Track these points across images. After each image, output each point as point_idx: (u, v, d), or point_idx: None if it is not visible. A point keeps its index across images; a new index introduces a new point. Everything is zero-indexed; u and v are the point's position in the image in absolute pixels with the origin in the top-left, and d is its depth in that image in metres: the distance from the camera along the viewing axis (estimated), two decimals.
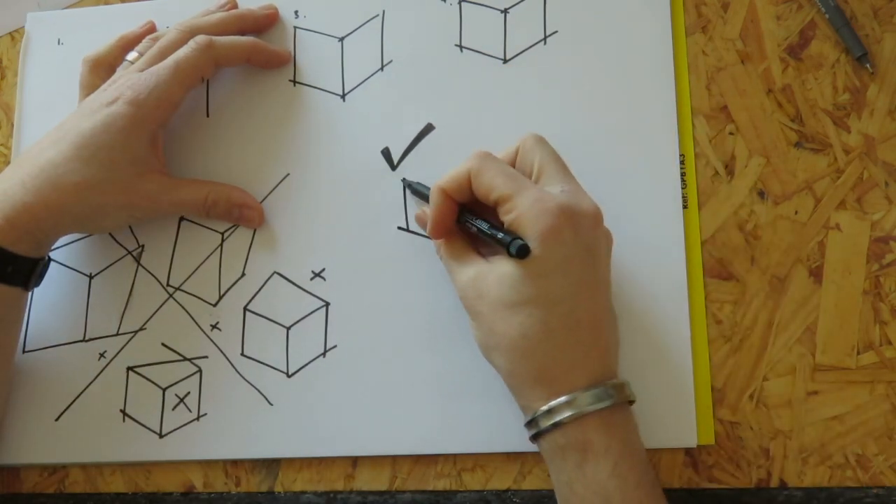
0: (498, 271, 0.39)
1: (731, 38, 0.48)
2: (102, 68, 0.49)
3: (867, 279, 0.44)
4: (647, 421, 0.42)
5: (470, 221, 0.41)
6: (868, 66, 0.46)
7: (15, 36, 0.56)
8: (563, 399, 0.37)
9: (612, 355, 0.40)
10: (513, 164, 0.41)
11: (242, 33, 0.50)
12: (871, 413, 0.43)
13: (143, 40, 0.49)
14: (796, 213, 0.45)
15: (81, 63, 0.49)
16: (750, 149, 0.46)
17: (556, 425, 0.37)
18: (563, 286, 0.38)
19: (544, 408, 0.38)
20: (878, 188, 0.45)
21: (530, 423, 0.39)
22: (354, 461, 0.46)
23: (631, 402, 0.39)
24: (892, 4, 0.47)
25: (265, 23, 0.51)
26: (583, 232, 0.38)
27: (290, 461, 0.46)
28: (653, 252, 0.45)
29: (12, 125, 0.54)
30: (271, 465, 0.46)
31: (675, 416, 0.43)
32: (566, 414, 0.37)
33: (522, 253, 0.37)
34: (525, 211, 0.38)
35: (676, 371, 0.44)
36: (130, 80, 0.45)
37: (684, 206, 0.46)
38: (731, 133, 0.47)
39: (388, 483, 0.45)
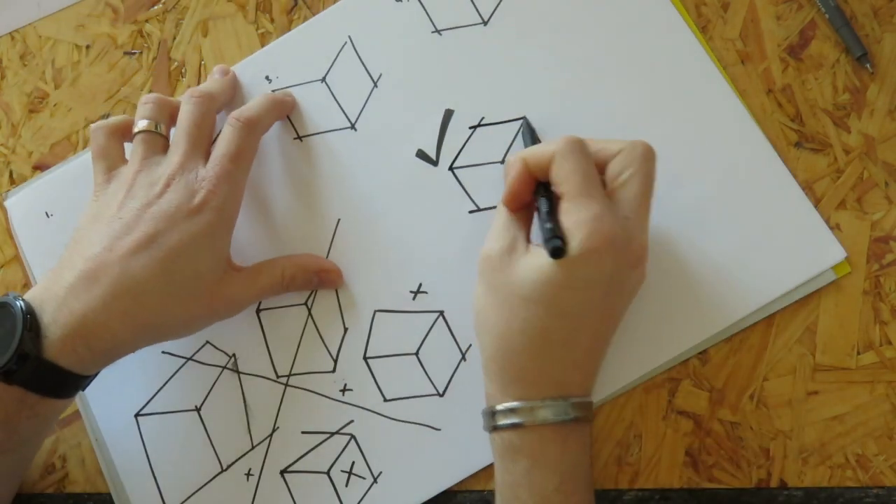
0: (530, 259, 0.38)
1: (731, 38, 0.48)
2: (118, 136, 0.46)
3: (867, 279, 0.44)
4: (787, 259, 0.43)
5: (539, 194, 0.40)
6: (868, 66, 0.46)
7: (15, 36, 0.56)
8: (530, 403, 0.37)
9: (591, 379, 0.40)
10: (605, 162, 0.39)
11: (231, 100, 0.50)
12: (871, 413, 0.43)
13: (146, 101, 0.46)
14: None
15: (93, 131, 0.46)
16: None
17: (515, 426, 0.37)
18: (580, 305, 0.37)
19: (509, 405, 0.38)
20: (878, 188, 0.45)
21: (490, 415, 0.39)
22: None
23: (589, 422, 0.39)
24: (892, 4, 0.47)
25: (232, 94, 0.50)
26: (621, 266, 0.38)
27: None
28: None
29: (12, 125, 0.54)
30: None
31: (811, 242, 0.44)
32: (528, 418, 0.37)
33: (555, 254, 0.36)
34: (580, 221, 0.37)
35: (794, 204, 0.44)
36: (206, 182, 0.42)
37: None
38: None
39: None
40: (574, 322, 0.38)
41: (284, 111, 0.49)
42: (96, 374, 0.43)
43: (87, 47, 0.55)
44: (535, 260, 0.38)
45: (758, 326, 0.44)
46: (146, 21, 0.55)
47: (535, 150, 0.40)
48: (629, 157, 0.39)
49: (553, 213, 0.38)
